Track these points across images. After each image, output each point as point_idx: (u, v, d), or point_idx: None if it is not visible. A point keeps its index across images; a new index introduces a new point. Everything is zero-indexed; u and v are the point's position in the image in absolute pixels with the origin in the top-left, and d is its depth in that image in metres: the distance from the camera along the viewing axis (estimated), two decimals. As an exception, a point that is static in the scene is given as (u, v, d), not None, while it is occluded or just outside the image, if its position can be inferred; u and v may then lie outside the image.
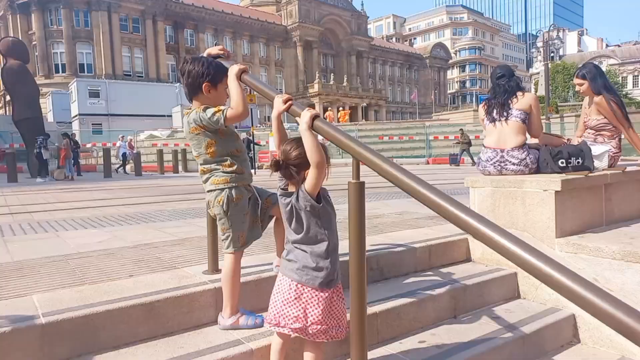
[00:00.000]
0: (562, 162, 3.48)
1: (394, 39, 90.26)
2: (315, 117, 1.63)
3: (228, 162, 2.04)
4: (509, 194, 3.42)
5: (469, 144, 19.07)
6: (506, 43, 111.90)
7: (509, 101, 3.58)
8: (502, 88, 3.61)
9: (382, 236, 3.28)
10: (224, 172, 2.03)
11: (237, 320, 1.99)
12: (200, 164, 2.08)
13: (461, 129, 20.50)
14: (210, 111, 1.96)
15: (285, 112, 1.79)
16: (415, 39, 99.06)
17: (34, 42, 43.52)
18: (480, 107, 3.81)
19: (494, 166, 3.66)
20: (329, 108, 53.36)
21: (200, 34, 52.23)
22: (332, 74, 60.33)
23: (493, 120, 3.64)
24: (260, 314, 2.03)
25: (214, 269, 2.35)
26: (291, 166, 1.63)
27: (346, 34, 64.42)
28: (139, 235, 3.51)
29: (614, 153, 3.81)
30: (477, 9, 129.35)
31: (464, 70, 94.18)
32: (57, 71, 44.36)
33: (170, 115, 30.71)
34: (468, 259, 3.20)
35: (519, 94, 3.57)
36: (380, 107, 62.77)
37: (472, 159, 18.54)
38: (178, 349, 1.81)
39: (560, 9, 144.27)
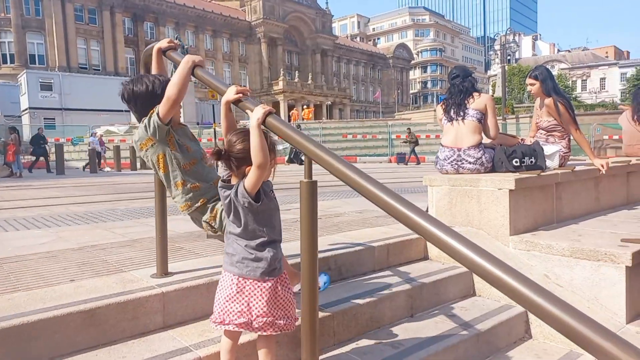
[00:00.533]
0: (516, 162, 3.57)
1: (358, 39, 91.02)
2: (269, 114, 1.56)
3: (178, 181, 1.98)
4: (465, 193, 3.48)
5: (416, 143, 19.69)
6: (466, 45, 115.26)
7: (465, 101, 3.64)
8: (457, 88, 3.67)
9: (341, 235, 3.25)
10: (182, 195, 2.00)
11: None
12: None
13: (408, 128, 21.10)
14: (147, 118, 1.91)
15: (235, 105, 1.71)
16: (378, 39, 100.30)
17: (-22, 30, 40.94)
18: (437, 107, 3.85)
19: (451, 165, 3.71)
20: (294, 107, 53.17)
21: (161, 27, 50.73)
22: (296, 72, 60.13)
23: (450, 120, 3.69)
24: None
25: (163, 272, 2.23)
26: (233, 158, 1.57)
27: (311, 31, 64.38)
28: (86, 236, 3.32)
29: (564, 153, 3.95)
30: (439, 11, 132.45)
31: (425, 71, 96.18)
32: (4, 62, 41.84)
33: (129, 111, 29.56)
34: (425, 257, 3.22)
35: (475, 94, 3.63)
36: (345, 106, 63.16)
37: (416, 157, 19.08)
38: (120, 358, 1.70)
39: (516, 13, 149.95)
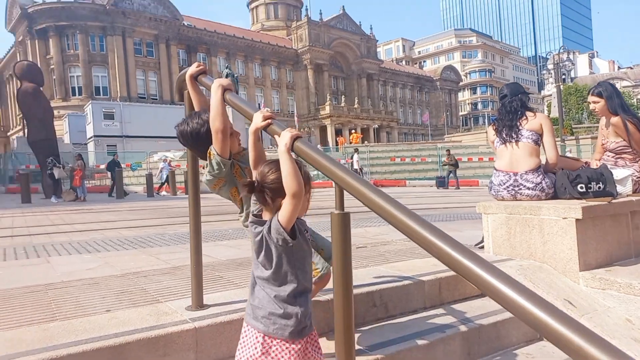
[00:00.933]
0: (581, 187, 3.24)
1: (403, 62, 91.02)
2: (296, 138, 1.44)
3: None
4: (525, 222, 3.18)
5: (456, 165, 18.83)
6: (516, 65, 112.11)
7: (518, 122, 3.38)
8: (506, 108, 3.43)
9: (388, 267, 3.04)
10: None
11: None
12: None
13: (447, 150, 20.32)
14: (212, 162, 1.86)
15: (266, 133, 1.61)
16: (424, 61, 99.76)
17: (52, 66, 44.69)
18: (489, 128, 3.61)
19: (507, 190, 3.43)
20: (341, 131, 53.52)
21: (213, 57, 53.17)
22: (343, 96, 60.74)
23: (504, 142, 3.43)
24: None
25: (198, 304, 2.13)
26: (267, 190, 1.42)
27: (356, 57, 65.10)
28: (131, 262, 3.32)
29: (637, 177, 3.56)
30: (486, 32, 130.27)
31: (475, 92, 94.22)
32: (73, 94, 45.32)
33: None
34: (483, 294, 2.93)
35: (529, 114, 3.36)
36: (392, 129, 62.79)
37: (456, 181, 18.29)
38: (148, 400, 1.59)
39: (569, 32, 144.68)
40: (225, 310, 2.08)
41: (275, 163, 1.46)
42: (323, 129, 57.11)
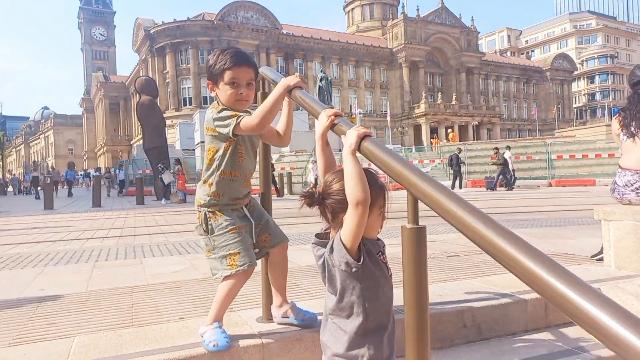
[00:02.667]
0: None
1: (508, 53, 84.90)
2: (364, 137, 1.22)
3: (210, 181, 1.78)
4: (661, 231, 2.59)
5: (505, 164, 16.66)
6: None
7: None
8: (638, 97, 2.82)
9: (482, 281, 2.68)
10: (203, 191, 1.80)
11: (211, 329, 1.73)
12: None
13: (495, 148, 18.02)
14: (225, 113, 1.70)
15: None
16: (532, 51, 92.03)
17: (167, 80, 49.53)
18: (613, 120, 3.03)
19: (637, 193, 2.85)
20: (437, 130, 51.53)
21: (309, 62, 54.61)
22: (439, 93, 58.45)
23: (632, 135, 2.85)
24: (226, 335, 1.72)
25: (268, 316, 2.02)
26: (328, 202, 1.21)
27: (455, 51, 62.20)
28: (214, 266, 3.37)
29: None
30: (608, 13, 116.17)
31: (592, 82, 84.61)
32: (185, 104, 49.70)
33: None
34: (602, 317, 2.44)
35: None
36: (494, 125, 58.90)
37: (507, 182, 16.30)
38: (207, 421, 1.50)
39: None
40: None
41: (340, 172, 1.25)
42: (417, 128, 55.49)
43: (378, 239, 1.26)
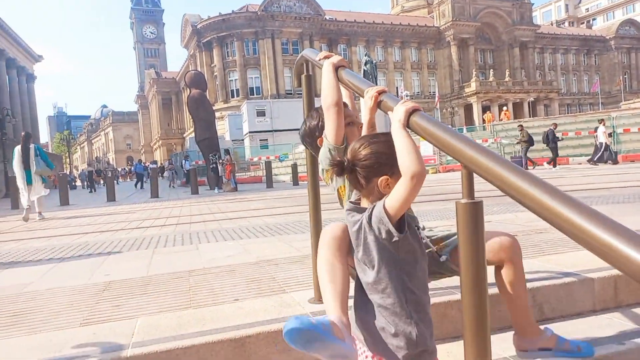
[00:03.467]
0: None
1: (566, 23, 79.45)
2: (413, 112, 1.16)
3: None
4: None
5: (530, 142, 15.87)
6: None
7: None
8: None
9: (544, 260, 2.54)
10: None
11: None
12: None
13: (520, 125, 16.74)
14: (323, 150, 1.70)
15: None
16: (594, 19, 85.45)
17: (215, 73, 50.75)
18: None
19: None
20: (489, 108, 49.45)
21: (353, 47, 53.91)
22: (491, 70, 55.90)
23: None
24: None
25: (320, 297, 2.02)
26: (359, 169, 1.18)
27: (507, 25, 59.05)
28: (266, 250, 3.43)
29: None
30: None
31: (664, 47, 77.46)
32: (232, 96, 50.78)
33: (324, 128, 32.09)
34: (680, 297, 2.25)
35: None
36: (552, 101, 55.66)
37: (528, 160, 15.52)
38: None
39: None
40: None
41: (368, 137, 1.23)
42: (468, 108, 53.50)
43: (413, 216, 1.22)
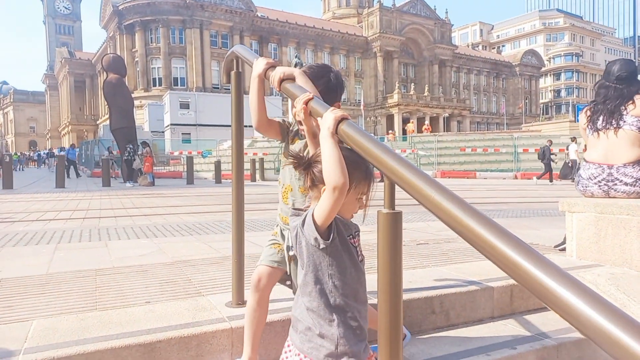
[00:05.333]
0: (697, 184, 2.69)
1: (480, 47, 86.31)
2: (341, 120, 1.18)
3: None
4: (620, 223, 2.71)
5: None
6: (610, 48, 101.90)
7: (622, 107, 2.86)
8: (618, 92, 2.89)
9: (452, 268, 2.72)
10: None
11: None
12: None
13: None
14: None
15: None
16: (503, 46, 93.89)
17: (136, 59, 47.86)
18: (581, 113, 3.11)
19: (599, 185, 2.95)
20: (410, 120, 52.07)
21: (284, 47, 53.90)
22: (412, 84, 58.99)
23: (597, 130, 2.94)
24: None
25: (239, 300, 1.99)
26: (313, 170, 1.20)
27: (429, 42, 62.74)
28: (183, 250, 3.30)
29: None
30: (576, 13, 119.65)
31: (558, 79, 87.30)
32: (154, 84, 48.24)
33: (252, 126, 31.70)
34: (563, 304, 2.53)
35: (637, 97, 2.83)
36: (464, 118, 60.04)
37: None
38: (173, 406, 1.47)
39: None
40: (271, 308, 1.91)
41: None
42: (390, 118, 55.95)
43: (352, 223, 1.25)
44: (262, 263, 1.66)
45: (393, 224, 1.01)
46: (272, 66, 1.62)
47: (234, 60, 2.04)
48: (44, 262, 2.89)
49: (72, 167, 21.32)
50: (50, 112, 77.09)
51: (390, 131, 38.14)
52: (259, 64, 1.63)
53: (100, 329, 1.69)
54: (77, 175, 21.43)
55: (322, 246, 1.14)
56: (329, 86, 1.64)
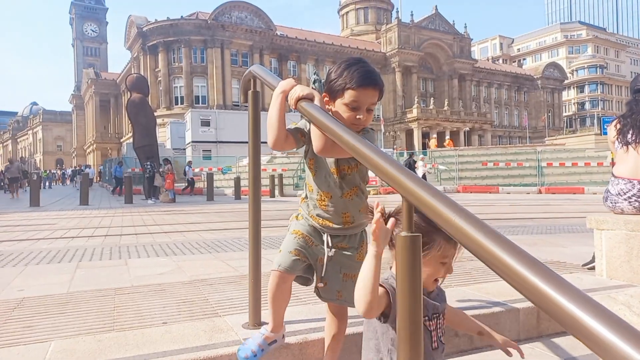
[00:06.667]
0: None
1: (500, 60, 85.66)
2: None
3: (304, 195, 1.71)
4: (653, 241, 2.58)
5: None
6: (635, 59, 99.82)
7: None
8: (639, 105, 2.81)
9: (475, 288, 2.64)
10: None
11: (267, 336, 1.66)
12: None
13: None
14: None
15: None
16: (524, 59, 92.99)
17: (159, 78, 49.14)
18: (610, 126, 3.01)
19: (629, 202, 2.83)
20: (429, 134, 51.74)
21: (302, 64, 54.57)
22: (432, 98, 58.74)
23: (627, 144, 2.84)
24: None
25: (255, 321, 1.96)
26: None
27: (448, 57, 62.58)
28: (201, 268, 3.29)
29: None
30: (598, 24, 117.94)
31: (582, 91, 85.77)
32: (176, 103, 49.32)
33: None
34: (593, 327, 2.41)
35: None
36: (485, 132, 59.30)
37: None
38: None
39: None
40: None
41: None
42: (409, 133, 55.68)
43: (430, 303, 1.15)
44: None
45: (412, 247, 0.98)
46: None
47: (251, 80, 2.05)
48: (65, 281, 2.92)
49: (120, 186, 18.83)
50: (77, 130, 79.47)
51: (433, 136, 37.38)
52: (287, 82, 1.62)
53: (117, 351, 1.68)
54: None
55: (383, 321, 1.08)
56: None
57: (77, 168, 41.44)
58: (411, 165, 18.25)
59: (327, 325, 1.71)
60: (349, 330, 1.75)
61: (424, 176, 17.89)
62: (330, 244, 1.61)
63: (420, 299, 1.02)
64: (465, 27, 64.74)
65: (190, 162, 22.16)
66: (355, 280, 1.68)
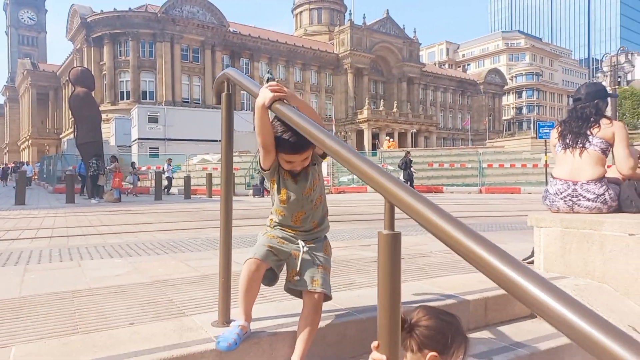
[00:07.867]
0: (651, 200, 2.89)
1: (446, 65, 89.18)
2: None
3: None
4: (583, 237, 2.87)
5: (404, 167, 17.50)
6: (566, 68, 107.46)
7: (589, 130, 3.06)
8: (576, 113, 3.11)
9: (428, 282, 2.81)
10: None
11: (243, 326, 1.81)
12: None
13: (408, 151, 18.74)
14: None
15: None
16: (468, 65, 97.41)
17: (104, 72, 46.91)
18: (553, 130, 3.31)
19: (564, 201, 3.12)
20: (379, 135, 52.95)
21: (255, 62, 54.07)
22: (382, 100, 60.18)
23: (566, 147, 3.13)
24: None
25: (225, 319, 1.99)
26: (416, 334, 1.24)
27: (397, 60, 64.35)
28: (160, 269, 3.26)
29: None
30: (536, 34, 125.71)
31: (520, 97, 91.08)
32: (122, 98, 47.30)
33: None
34: (534, 315, 2.65)
35: (605, 121, 3.04)
36: (431, 134, 61.55)
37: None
38: None
39: (628, 32, 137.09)
40: (253, 327, 1.93)
41: (435, 311, 1.31)
42: (360, 134, 56.76)
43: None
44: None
45: (393, 244, 1.08)
46: (280, 99, 1.67)
47: (225, 82, 2.08)
48: (15, 285, 2.79)
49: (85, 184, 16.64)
50: (10, 125, 74.13)
51: (391, 140, 38.15)
52: (266, 95, 1.67)
53: (85, 353, 1.67)
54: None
55: None
56: None
57: (14, 165, 38.66)
58: (408, 164, 17.95)
59: (302, 317, 1.81)
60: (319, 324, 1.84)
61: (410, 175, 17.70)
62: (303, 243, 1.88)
63: (399, 288, 1.13)
64: (415, 32, 66.86)
65: (134, 163, 21.37)
66: (326, 271, 1.83)
